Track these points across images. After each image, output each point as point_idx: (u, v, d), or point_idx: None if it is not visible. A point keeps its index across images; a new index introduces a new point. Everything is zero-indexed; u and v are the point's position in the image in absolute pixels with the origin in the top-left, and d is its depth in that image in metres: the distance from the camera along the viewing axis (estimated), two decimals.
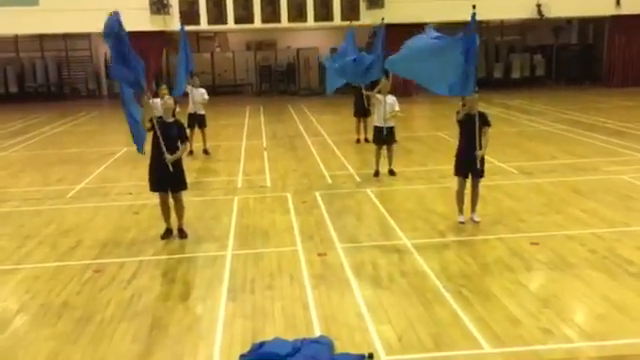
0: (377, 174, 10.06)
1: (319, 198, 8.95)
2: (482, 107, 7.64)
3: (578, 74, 27.37)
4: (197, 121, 12.40)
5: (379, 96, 9.92)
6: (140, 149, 7.44)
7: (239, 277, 6.07)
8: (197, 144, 12.61)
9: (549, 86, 26.21)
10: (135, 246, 7.12)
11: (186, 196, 7.55)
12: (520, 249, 6.60)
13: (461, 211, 7.52)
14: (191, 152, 12.23)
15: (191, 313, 5.33)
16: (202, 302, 5.54)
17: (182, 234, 7.31)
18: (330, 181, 10.12)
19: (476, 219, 7.50)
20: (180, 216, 7.36)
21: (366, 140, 12.92)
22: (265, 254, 6.72)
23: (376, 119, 10.07)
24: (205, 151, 12.63)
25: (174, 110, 7.24)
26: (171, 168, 7.03)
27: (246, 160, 12.09)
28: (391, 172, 10.10)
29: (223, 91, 26.64)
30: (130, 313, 5.33)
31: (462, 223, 7.43)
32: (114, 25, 6.85)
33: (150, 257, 6.75)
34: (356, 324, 4.99)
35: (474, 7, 7.07)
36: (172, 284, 5.98)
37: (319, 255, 6.61)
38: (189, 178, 10.26)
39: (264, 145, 13.80)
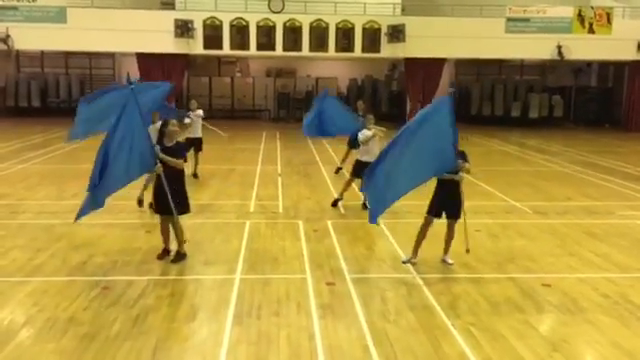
0: (336, 203, 10.15)
1: (331, 227, 8.94)
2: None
3: (596, 117, 27.34)
4: (194, 144, 12.16)
5: (366, 134, 9.89)
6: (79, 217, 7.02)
7: (246, 302, 6.05)
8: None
9: (567, 127, 26.15)
10: (144, 265, 7.13)
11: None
12: (531, 290, 6.52)
13: (415, 252, 7.27)
14: (195, 175, 12.27)
15: (196, 336, 5.30)
16: (207, 325, 5.52)
17: (177, 256, 7.20)
18: (342, 210, 10.11)
19: (449, 262, 7.28)
20: (177, 238, 7.27)
21: (339, 169, 13.19)
22: (273, 280, 6.70)
23: (362, 153, 10.00)
24: (195, 175, 12.35)
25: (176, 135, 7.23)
26: (166, 192, 6.88)
27: (260, 185, 12.13)
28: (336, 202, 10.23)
29: (241, 115, 26.92)
30: (135, 332, 5.32)
31: (404, 263, 7.20)
32: None
33: (158, 277, 6.75)
34: (361, 357, 4.93)
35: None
36: (178, 305, 5.97)
37: (328, 284, 6.57)
38: (203, 200, 10.32)
39: (279, 171, 13.86)
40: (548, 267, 7.32)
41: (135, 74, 25.93)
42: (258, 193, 11.33)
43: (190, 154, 11.74)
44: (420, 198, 10.66)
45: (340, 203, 10.19)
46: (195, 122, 12.27)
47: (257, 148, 17.72)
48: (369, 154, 9.88)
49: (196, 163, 12.52)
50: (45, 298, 6.06)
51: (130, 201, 10.19)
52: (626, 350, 5.14)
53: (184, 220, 7.43)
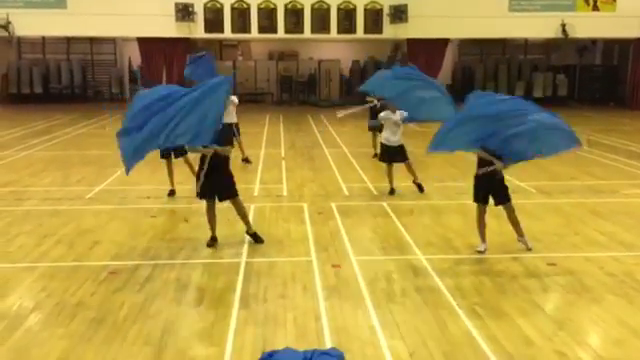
0: (392, 192, 9.83)
1: (335, 209, 8.95)
2: None
3: (601, 95, 27.15)
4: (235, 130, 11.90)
5: (384, 114, 9.84)
6: (127, 169, 6.60)
7: (252, 285, 6.08)
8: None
9: (571, 106, 25.99)
10: (151, 250, 7.17)
11: (203, 202, 7.50)
12: (536, 269, 6.53)
13: (483, 239, 7.09)
14: (247, 160, 12.35)
15: (203, 319, 5.34)
16: (214, 308, 5.56)
17: (255, 239, 7.33)
18: (347, 193, 10.12)
19: (529, 245, 7.11)
20: (244, 221, 7.38)
21: (376, 155, 12.73)
22: (279, 263, 6.73)
23: (384, 136, 9.91)
24: (245, 160, 12.48)
25: None
26: (216, 176, 6.98)
27: (264, 169, 12.13)
28: (419, 187, 9.87)
29: (243, 99, 26.81)
30: (143, 316, 5.37)
31: (481, 252, 6.99)
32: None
33: (165, 261, 6.79)
34: (368, 338, 4.97)
35: None
36: (185, 289, 6.01)
37: (333, 267, 6.60)
38: None
39: (282, 155, 13.85)
40: (553, 246, 7.33)
41: (136, 59, 25.94)
42: (262, 177, 11.33)
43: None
44: (424, 179, 10.67)
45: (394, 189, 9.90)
46: (229, 108, 12.17)
47: (260, 131, 17.69)
48: (392, 136, 9.76)
49: (241, 148, 12.44)
50: (53, 283, 6.11)
51: (135, 186, 10.22)
52: (632, 328, 5.16)
53: (201, 204, 7.52)
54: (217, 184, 7.09)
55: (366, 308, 5.54)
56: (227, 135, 7.15)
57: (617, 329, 5.15)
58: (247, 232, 7.42)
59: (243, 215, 7.40)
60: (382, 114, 10.01)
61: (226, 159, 7.14)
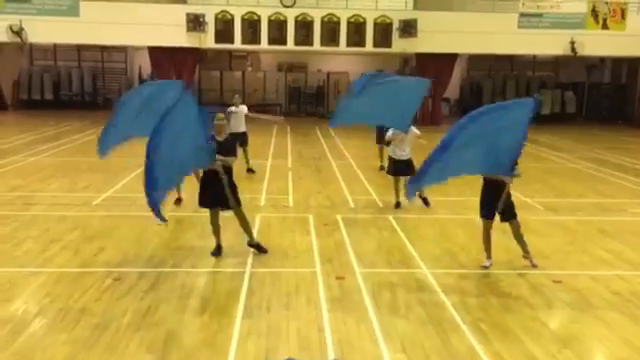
0: (398, 205, 9.81)
1: (341, 222, 8.95)
2: None
3: (609, 113, 27.12)
4: (239, 139, 11.76)
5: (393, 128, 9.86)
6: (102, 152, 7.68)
7: (256, 295, 6.08)
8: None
9: (579, 124, 25.94)
10: (156, 257, 7.19)
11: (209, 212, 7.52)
12: (542, 286, 6.50)
13: (489, 255, 7.07)
14: (251, 170, 12.41)
15: (206, 327, 5.34)
16: (217, 317, 5.56)
17: (259, 249, 7.32)
18: (353, 205, 10.12)
19: (534, 262, 7.08)
20: (245, 232, 7.37)
21: (381, 168, 12.55)
22: (283, 274, 6.72)
23: (391, 150, 9.89)
24: (250, 170, 12.49)
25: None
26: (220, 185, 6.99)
27: (270, 179, 12.16)
28: (425, 201, 9.86)
29: (252, 110, 26.93)
30: (146, 323, 5.37)
31: (486, 268, 6.99)
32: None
33: (169, 269, 6.80)
34: (370, 350, 4.95)
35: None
36: (189, 297, 6.01)
37: (337, 279, 6.59)
38: None
39: (289, 166, 13.88)
40: (559, 264, 7.29)
41: (147, 68, 26.13)
42: (269, 187, 11.35)
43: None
44: (429, 193, 10.66)
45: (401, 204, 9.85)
46: (239, 117, 12.28)
47: (268, 142, 17.73)
48: (399, 150, 9.71)
49: (246, 158, 12.49)
50: (57, 289, 6.13)
51: (142, 194, 10.23)
52: (637, 347, 5.12)
53: (204, 213, 7.52)
54: (218, 194, 7.07)
55: (369, 321, 5.53)
56: (231, 146, 7.17)
57: (622, 348, 5.11)
58: (249, 243, 7.41)
59: (245, 226, 7.39)
60: (391, 129, 9.99)
61: (229, 169, 7.16)
